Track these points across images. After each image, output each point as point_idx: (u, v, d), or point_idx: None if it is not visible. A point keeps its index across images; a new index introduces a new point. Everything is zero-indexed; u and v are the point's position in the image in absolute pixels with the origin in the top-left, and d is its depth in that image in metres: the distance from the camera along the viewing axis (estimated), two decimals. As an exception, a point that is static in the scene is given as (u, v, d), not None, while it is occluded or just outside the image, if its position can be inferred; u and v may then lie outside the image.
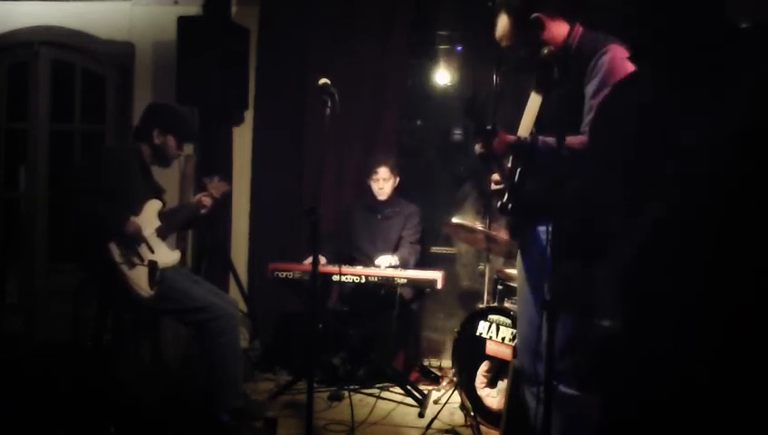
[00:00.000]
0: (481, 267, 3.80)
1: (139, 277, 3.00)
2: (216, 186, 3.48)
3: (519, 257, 2.25)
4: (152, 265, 3.00)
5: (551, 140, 1.90)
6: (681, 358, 1.11)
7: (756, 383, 1.08)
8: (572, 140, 1.87)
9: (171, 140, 3.22)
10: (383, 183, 4.06)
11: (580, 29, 2.10)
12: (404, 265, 3.91)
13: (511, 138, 1.99)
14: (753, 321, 1.06)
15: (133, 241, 3.01)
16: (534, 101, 2.14)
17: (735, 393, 1.09)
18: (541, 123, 2.09)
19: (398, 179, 4.12)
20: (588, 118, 1.95)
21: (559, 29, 2.09)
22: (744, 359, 1.08)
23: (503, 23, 2.09)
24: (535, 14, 2.03)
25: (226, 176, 3.98)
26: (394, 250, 4.05)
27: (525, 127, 2.13)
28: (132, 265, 3.00)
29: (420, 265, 4.14)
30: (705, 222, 1.08)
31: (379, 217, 4.14)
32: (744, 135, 1.08)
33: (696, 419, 1.12)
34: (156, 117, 3.23)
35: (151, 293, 3.01)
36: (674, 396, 1.13)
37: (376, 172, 4.06)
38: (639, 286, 1.15)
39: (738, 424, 1.09)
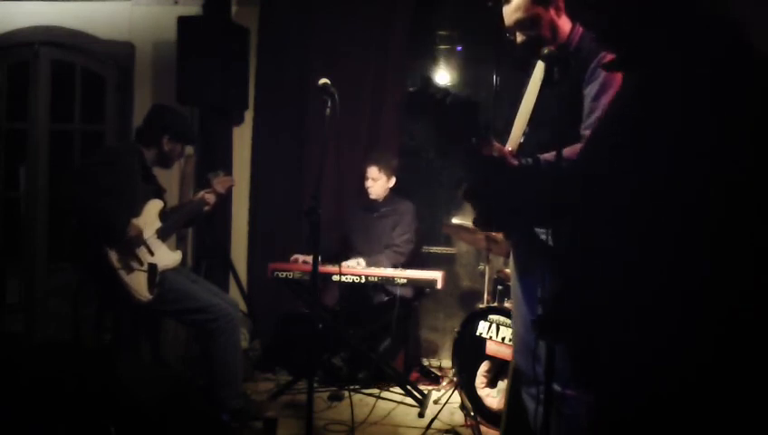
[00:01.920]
0: (481, 267, 3.80)
1: (138, 282, 2.99)
2: (221, 181, 3.45)
3: (512, 257, 2.25)
4: (152, 269, 3.00)
5: (549, 156, 1.85)
6: (679, 359, 1.11)
7: (754, 385, 1.08)
8: (569, 151, 1.85)
9: (179, 147, 3.27)
10: (372, 182, 4.05)
11: (580, 29, 2.09)
12: (392, 265, 3.89)
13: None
14: (751, 323, 1.07)
15: (133, 245, 3.01)
16: (530, 98, 2.13)
17: (733, 394, 1.09)
18: (534, 120, 2.08)
19: (392, 180, 4.08)
20: (588, 120, 1.94)
21: (564, 23, 2.08)
22: (743, 360, 1.08)
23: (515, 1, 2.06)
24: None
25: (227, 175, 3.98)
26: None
27: (520, 124, 2.12)
28: (131, 270, 2.99)
29: (420, 265, 4.14)
30: (704, 224, 1.08)
31: (375, 215, 4.14)
32: (747, 137, 1.08)
33: (693, 419, 1.12)
34: (166, 123, 3.24)
35: (150, 297, 3.01)
36: (672, 396, 1.13)
37: (365, 172, 4.08)
38: (637, 287, 1.15)
39: (736, 425, 1.09)
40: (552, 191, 1.35)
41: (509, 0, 2.07)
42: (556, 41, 2.05)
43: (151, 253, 3.09)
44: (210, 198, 3.39)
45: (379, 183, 4.05)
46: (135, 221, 3.04)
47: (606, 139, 1.25)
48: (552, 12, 2.04)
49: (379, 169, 4.04)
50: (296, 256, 3.90)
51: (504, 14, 2.08)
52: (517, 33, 2.07)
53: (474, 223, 1.98)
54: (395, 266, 3.87)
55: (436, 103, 1.47)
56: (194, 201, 3.44)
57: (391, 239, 4.04)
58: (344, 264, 3.80)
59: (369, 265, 3.83)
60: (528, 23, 2.03)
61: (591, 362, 1.23)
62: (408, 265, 3.94)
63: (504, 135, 2.12)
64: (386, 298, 3.91)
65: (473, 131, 1.59)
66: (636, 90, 1.20)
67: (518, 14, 2.04)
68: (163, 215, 3.25)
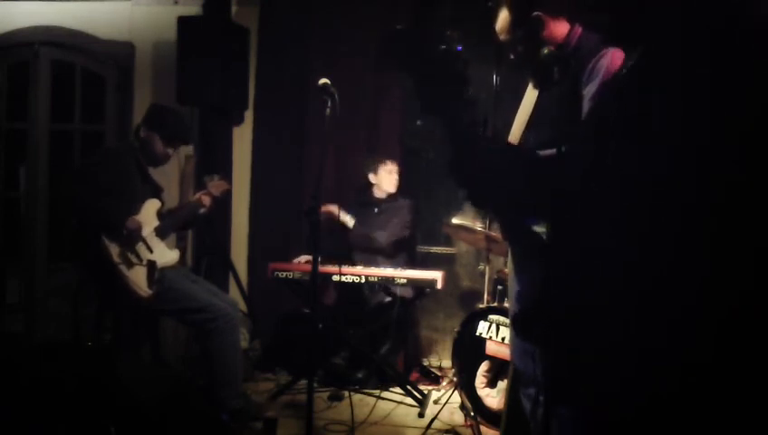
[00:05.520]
0: (481, 267, 3.79)
1: (138, 277, 3.00)
2: (216, 184, 3.49)
3: (510, 257, 2.25)
4: (151, 265, 3.01)
5: (548, 152, 1.85)
6: (679, 359, 1.11)
7: (754, 385, 1.08)
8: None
9: (156, 139, 3.20)
10: (389, 177, 4.08)
11: (579, 29, 2.09)
12: (389, 256, 3.93)
13: None
14: (751, 323, 1.06)
15: (132, 240, 3.02)
16: (530, 98, 2.13)
17: (733, 394, 1.09)
18: (534, 121, 2.09)
19: None
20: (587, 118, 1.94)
21: (559, 28, 2.08)
22: (742, 360, 1.08)
23: (502, 17, 2.08)
24: (536, 13, 2.01)
25: (226, 175, 3.99)
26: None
27: (519, 124, 2.12)
28: (131, 265, 3.00)
29: (420, 264, 4.13)
30: (704, 224, 1.08)
31: (376, 210, 4.14)
32: (744, 135, 1.07)
33: (693, 419, 1.12)
34: (146, 114, 3.26)
35: (150, 293, 3.01)
36: (671, 397, 1.13)
37: (385, 163, 4.07)
38: (634, 287, 1.15)
39: (736, 425, 1.09)
40: (549, 178, 1.34)
41: (495, 21, 2.09)
42: (553, 44, 2.05)
43: (150, 250, 3.10)
44: (206, 200, 3.41)
45: (394, 175, 4.11)
46: (134, 217, 3.06)
47: (603, 125, 1.25)
48: (544, 18, 2.05)
49: (393, 163, 4.10)
50: (303, 256, 3.90)
51: (496, 26, 2.11)
52: (510, 52, 2.11)
53: (466, 198, 1.97)
54: (392, 258, 3.93)
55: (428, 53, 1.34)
56: (190, 203, 3.47)
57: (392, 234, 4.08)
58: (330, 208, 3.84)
59: (355, 229, 3.93)
60: (518, 38, 2.05)
61: (590, 362, 1.23)
62: (407, 264, 3.95)
63: (504, 134, 2.12)
64: (387, 299, 3.91)
65: (458, 91, 1.44)
66: (635, 77, 1.19)
67: (503, 36, 2.07)
68: (161, 214, 3.26)
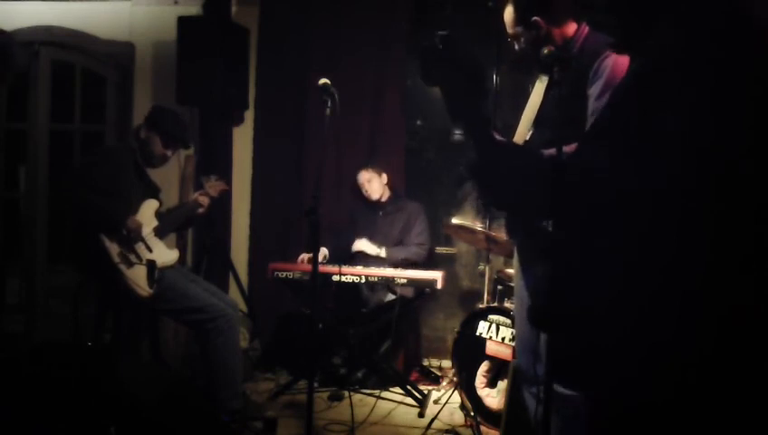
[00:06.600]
0: (481, 267, 3.80)
1: (138, 277, 3.00)
2: (213, 185, 3.49)
3: (516, 256, 2.25)
4: (150, 265, 3.01)
5: (550, 152, 1.86)
6: (680, 358, 1.11)
7: (755, 384, 1.08)
8: (569, 149, 1.86)
9: (156, 139, 3.20)
10: (368, 184, 4.10)
11: (585, 29, 2.10)
12: (409, 262, 3.94)
13: None
14: (752, 322, 1.06)
15: (132, 239, 3.02)
16: (538, 92, 2.14)
17: (734, 394, 1.09)
18: (540, 119, 2.10)
19: (384, 176, 4.14)
20: (592, 120, 1.94)
21: (563, 29, 2.09)
22: (743, 360, 1.08)
23: (507, 12, 2.12)
24: (535, 18, 2.04)
25: (226, 176, 3.99)
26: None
27: (526, 120, 2.13)
28: (130, 265, 3.00)
29: (421, 264, 4.13)
30: (705, 223, 1.08)
31: (381, 213, 4.15)
32: (747, 134, 1.07)
33: (694, 420, 1.12)
34: (147, 115, 3.26)
35: (150, 292, 3.01)
36: (673, 396, 1.13)
37: (358, 180, 4.13)
38: (637, 287, 1.14)
39: (737, 425, 1.09)
40: (553, 180, 1.34)
41: (504, 6, 2.13)
42: (554, 45, 2.06)
43: (149, 250, 3.10)
44: (204, 200, 3.41)
45: (374, 182, 4.10)
46: (134, 216, 3.06)
47: (606, 127, 1.25)
48: (542, 25, 2.07)
49: (369, 170, 4.10)
50: (304, 254, 3.90)
51: (504, 18, 2.15)
52: (513, 43, 2.16)
53: (478, 198, 2.00)
54: (414, 263, 3.94)
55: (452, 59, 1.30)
56: (188, 203, 3.48)
57: (408, 239, 4.09)
58: (360, 246, 3.88)
59: (389, 255, 3.91)
60: (519, 37, 2.10)
61: (592, 361, 1.23)
62: (413, 265, 3.96)
63: (505, 135, 2.13)
64: (387, 298, 3.91)
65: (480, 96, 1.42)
66: (637, 77, 1.19)
67: (508, 29, 2.11)
68: (159, 214, 3.27)
